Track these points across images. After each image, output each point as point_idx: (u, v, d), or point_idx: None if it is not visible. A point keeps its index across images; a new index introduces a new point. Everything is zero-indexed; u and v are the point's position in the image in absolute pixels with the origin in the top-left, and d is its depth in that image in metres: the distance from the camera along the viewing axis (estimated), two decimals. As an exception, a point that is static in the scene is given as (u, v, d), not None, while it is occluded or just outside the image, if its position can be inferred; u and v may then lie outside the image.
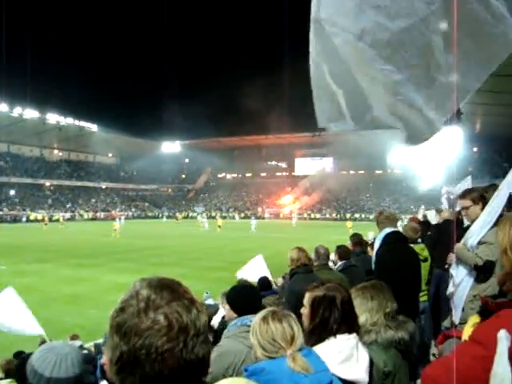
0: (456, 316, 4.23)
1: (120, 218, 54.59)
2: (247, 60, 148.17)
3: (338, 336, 2.46)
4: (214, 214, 79.99)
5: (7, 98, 75.27)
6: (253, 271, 9.57)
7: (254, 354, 2.23)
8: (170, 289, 1.13)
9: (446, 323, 5.60)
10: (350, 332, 2.49)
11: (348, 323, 2.51)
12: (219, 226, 52.51)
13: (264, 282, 7.32)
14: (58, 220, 68.34)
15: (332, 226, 59.97)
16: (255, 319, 2.31)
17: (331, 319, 2.49)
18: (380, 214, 5.23)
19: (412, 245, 5.84)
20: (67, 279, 18.29)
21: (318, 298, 2.59)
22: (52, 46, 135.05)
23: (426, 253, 6.71)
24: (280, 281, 8.89)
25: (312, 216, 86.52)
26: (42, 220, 69.95)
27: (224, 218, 67.19)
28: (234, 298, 3.65)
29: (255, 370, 2.03)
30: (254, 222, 55.31)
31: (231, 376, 3.20)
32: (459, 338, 1.99)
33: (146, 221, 79.63)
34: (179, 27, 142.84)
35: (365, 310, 2.92)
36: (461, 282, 4.24)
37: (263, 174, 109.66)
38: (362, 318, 2.89)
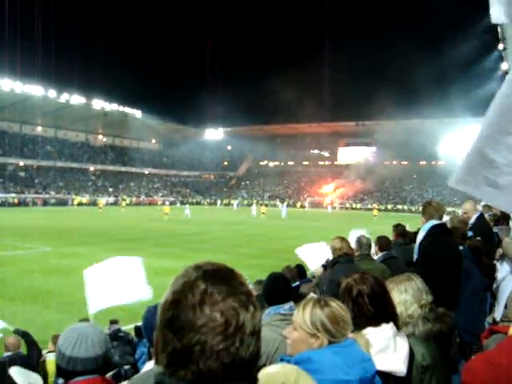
0: (498, 312, 4.09)
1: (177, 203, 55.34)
2: (291, 47, 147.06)
3: (370, 328, 2.42)
4: (254, 202, 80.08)
5: (55, 84, 77.09)
6: (311, 254, 9.40)
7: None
8: (226, 281, 1.08)
9: (489, 319, 5.46)
10: (387, 322, 2.44)
11: (379, 314, 2.45)
12: (263, 213, 53.32)
13: (301, 270, 7.34)
14: (117, 204, 70.57)
15: (363, 215, 58.71)
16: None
17: (355, 311, 2.43)
18: (429, 204, 5.11)
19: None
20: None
21: (342, 290, 2.57)
22: (98, 34, 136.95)
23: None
24: (320, 270, 8.82)
25: (354, 206, 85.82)
26: (88, 204, 71.84)
27: (266, 206, 67.74)
28: (264, 288, 3.68)
29: (299, 359, 1.96)
30: (284, 209, 56.68)
31: (264, 365, 3.19)
32: (506, 333, 1.94)
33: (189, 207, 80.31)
34: (220, 15, 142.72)
35: (399, 303, 2.87)
36: (505, 278, 4.09)
37: (305, 163, 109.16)
38: (397, 311, 2.85)
